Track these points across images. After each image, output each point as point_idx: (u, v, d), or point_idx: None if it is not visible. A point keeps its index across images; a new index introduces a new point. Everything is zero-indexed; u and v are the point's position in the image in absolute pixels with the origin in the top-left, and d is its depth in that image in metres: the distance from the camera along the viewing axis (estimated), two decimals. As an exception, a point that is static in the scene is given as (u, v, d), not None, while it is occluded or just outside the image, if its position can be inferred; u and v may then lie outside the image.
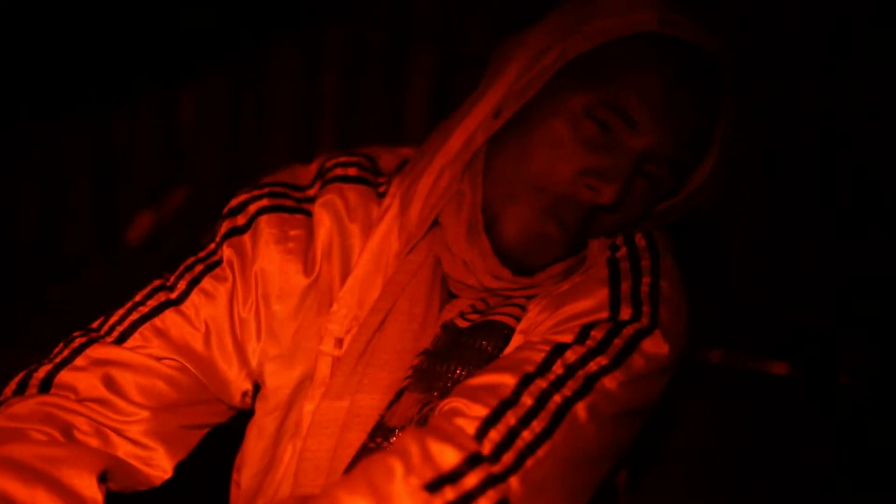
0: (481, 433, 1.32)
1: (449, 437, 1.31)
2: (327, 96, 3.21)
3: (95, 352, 1.56)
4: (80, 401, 1.51)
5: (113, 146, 3.15)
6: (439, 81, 3.15)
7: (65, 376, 1.53)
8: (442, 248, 1.62)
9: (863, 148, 2.96)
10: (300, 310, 1.65)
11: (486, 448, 1.31)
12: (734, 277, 3.07)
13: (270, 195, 1.69)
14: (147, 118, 3.15)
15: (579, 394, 1.39)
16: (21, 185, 3.16)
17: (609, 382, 1.41)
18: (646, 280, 1.52)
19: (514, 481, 1.31)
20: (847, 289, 2.96)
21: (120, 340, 1.58)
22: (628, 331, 1.46)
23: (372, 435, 1.55)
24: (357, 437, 1.56)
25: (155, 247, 3.00)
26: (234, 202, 1.70)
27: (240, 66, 3.18)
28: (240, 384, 1.65)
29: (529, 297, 1.60)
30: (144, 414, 1.54)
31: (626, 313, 1.48)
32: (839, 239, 2.99)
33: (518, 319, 1.57)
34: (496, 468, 1.30)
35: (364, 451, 1.54)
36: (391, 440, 1.54)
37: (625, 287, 1.51)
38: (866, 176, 2.97)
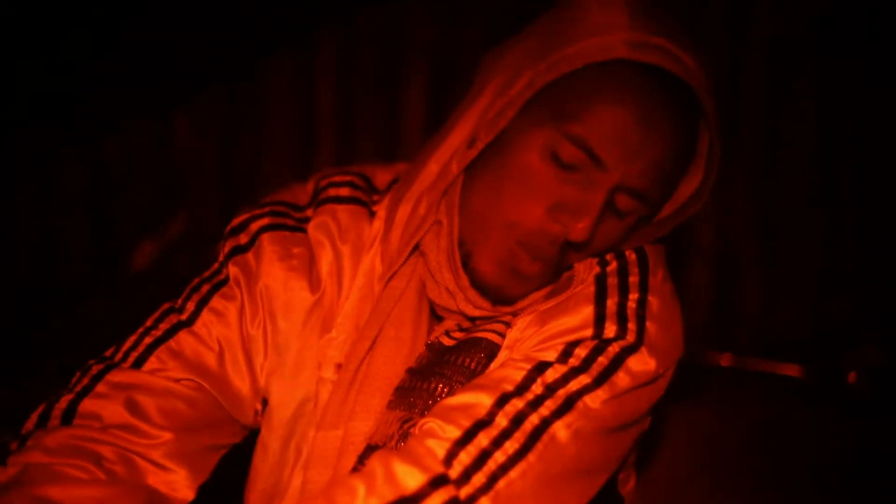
0: (451, 455, 1.33)
1: (416, 460, 1.31)
2: (322, 112, 3.20)
3: (115, 377, 1.57)
4: (105, 428, 1.51)
5: (108, 172, 3.14)
6: (434, 93, 3.14)
7: (88, 405, 1.53)
8: (426, 274, 1.62)
9: (867, 146, 2.96)
10: (304, 328, 1.65)
11: (455, 471, 1.31)
12: (742, 279, 3.06)
13: (272, 214, 1.70)
14: (142, 143, 3.14)
15: (558, 413, 1.38)
16: (16, 214, 3.15)
17: (591, 401, 1.40)
18: (633, 296, 1.51)
19: (484, 502, 1.30)
20: (858, 289, 2.95)
21: (137, 365, 1.58)
22: (613, 349, 1.46)
23: (361, 458, 1.56)
24: (349, 463, 1.56)
25: (157, 274, 3.00)
26: (235, 222, 1.71)
27: (233, 85, 3.17)
28: (252, 402, 1.66)
29: (516, 314, 1.59)
30: (168, 436, 1.55)
31: (610, 331, 1.47)
32: (848, 238, 2.98)
33: (503, 336, 1.57)
34: (464, 491, 1.30)
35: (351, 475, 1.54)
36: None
37: (610, 304, 1.50)
38: (873, 174, 2.97)
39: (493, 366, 1.53)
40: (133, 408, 1.54)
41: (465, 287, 1.57)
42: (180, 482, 1.56)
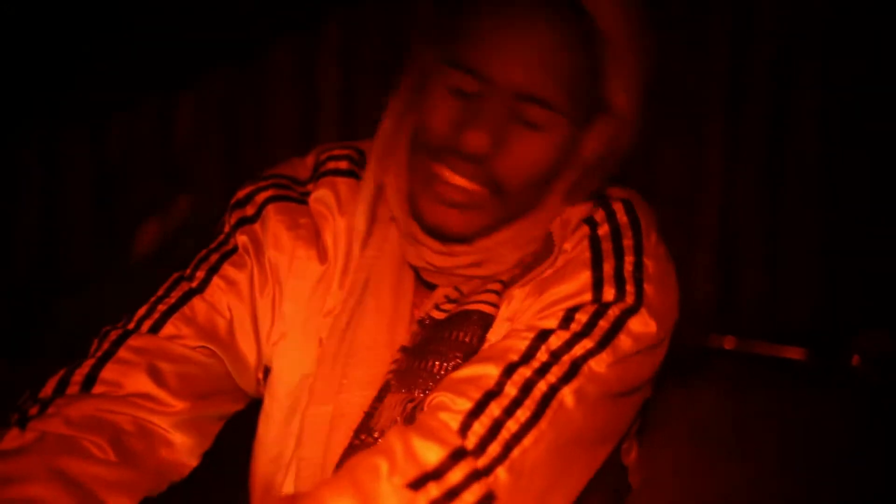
0: (465, 427, 1.33)
1: (433, 434, 1.32)
2: (327, 97, 3.20)
3: (136, 342, 1.57)
4: (126, 397, 1.52)
5: (111, 156, 3.13)
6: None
7: (110, 371, 1.53)
8: (401, 240, 1.63)
9: (872, 133, 2.96)
10: (311, 299, 1.66)
11: (471, 442, 1.32)
12: (745, 262, 3.06)
13: (276, 186, 1.72)
14: (145, 126, 3.14)
15: (565, 379, 1.39)
16: (20, 199, 3.15)
17: (596, 365, 1.42)
18: (629, 259, 1.52)
19: (500, 472, 1.31)
20: (862, 273, 2.95)
21: (154, 331, 1.59)
22: (613, 311, 1.46)
23: (357, 432, 1.56)
24: (344, 437, 1.57)
25: (162, 257, 2.99)
26: (240, 194, 1.73)
27: (237, 70, 3.17)
28: (255, 370, 1.67)
29: (505, 283, 1.59)
30: (183, 405, 1.56)
31: (609, 294, 1.48)
32: (852, 222, 2.98)
33: (495, 306, 1.57)
34: (481, 462, 1.31)
35: (349, 450, 1.55)
36: (375, 437, 1.54)
37: (607, 268, 1.51)
38: (877, 159, 2.97)
39: (492, 337, 1.54)
40: (155, 375, 1.54)
41: (417, 234, 1.58)
42: (188, 450, 1.57)
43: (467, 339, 1.54)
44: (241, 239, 1.67)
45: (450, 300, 1.61)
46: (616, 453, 1.62)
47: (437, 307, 1.61)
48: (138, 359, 1.55)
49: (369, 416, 1.56)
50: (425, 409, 1.41)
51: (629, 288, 1.49)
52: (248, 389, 1.68)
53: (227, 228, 1.70)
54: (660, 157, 3.08)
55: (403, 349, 1.60)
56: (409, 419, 1.51)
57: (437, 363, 1.55)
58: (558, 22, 1.51)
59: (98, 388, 1.52)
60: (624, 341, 1.46)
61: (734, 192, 3.07)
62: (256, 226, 1.68)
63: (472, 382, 1.38)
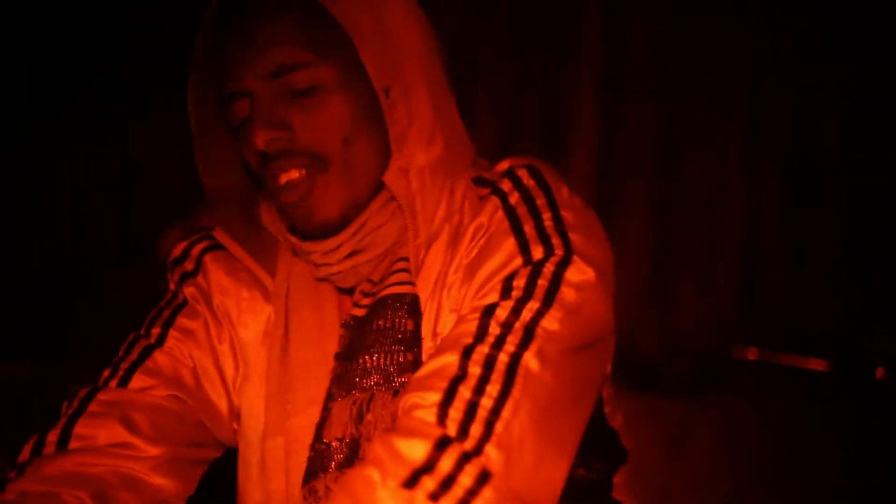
0: (442, 416, 1.32)
1: (413, 432, 1.31)
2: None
3: (106, 396, 1.58)
4: (101, 449, 1.52)
5: (135, 158, 3.14)
6: (458, 88, 3.14)
7: (82, 426, 1.54)
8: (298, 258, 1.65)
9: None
10: (266, 338, 1.66)
11: (452, 429, 1.31)
12: (769, 273, 3.05)
13: (208, 237, 1.72)
14: (170, 129, 3.14)
15: (523, 345, 1.38)
16: (44, 202, 3.16)
17: (548, 324, 1.40)
18: (547, 216, 1.50)
19: (489, 449, 1.30)
20: (886, 284, 2.94)
21: (122, 385, 1.59)
22: (548, 268, 1.45)
23: (311, 447, 1.56)
24: (301, 459, 1.57)
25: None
26: (176, 251, 1.75)
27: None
28: (230, 420, 1.67)
29: (408, 257, 1.58)
30: (159, 450, 1.56)
31: (538, 252, 1.47)
32: (877, 234, 2.97)
33: (409, 283, 1.56)
34: (468, 444, 1.29)
35: (308, 465, 1.55)
36: (325, 444, 1.54)
37: (528, 229, 1.49)
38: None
39: (441, 329, 1.53)
40: (128, 424, 1.55)
41: (301, 246, 1.59)
42: (172, 494, 1.57)
43: (388, 325, 1.54)
44: (189, 291, 1.69)
45: (365, 294, 1.61)
46: (603, 419, 1.62)
47: (355, 305, 1.62)
48: (110, 410, 1.56)
49: (320, 427, 1.57)
50: (399, 413, 1.40)
51: (555, 241, 1.48)
52: (225, 439, 1.69)
53: (172, 286, 1.72)
54: (682, 169, 3.07)
55: (336, 356, 1.60)
56: (360, 419, 1.52)
57: (366, 358, 1.55)
58: (280, 14, 1.53)
59: (74, 444, 1.53)
60: (567, 293, 1.44)
61: (757, 203, 3.06)
62: (199, 278, 1.70)
63: (436, 375, 1.38)
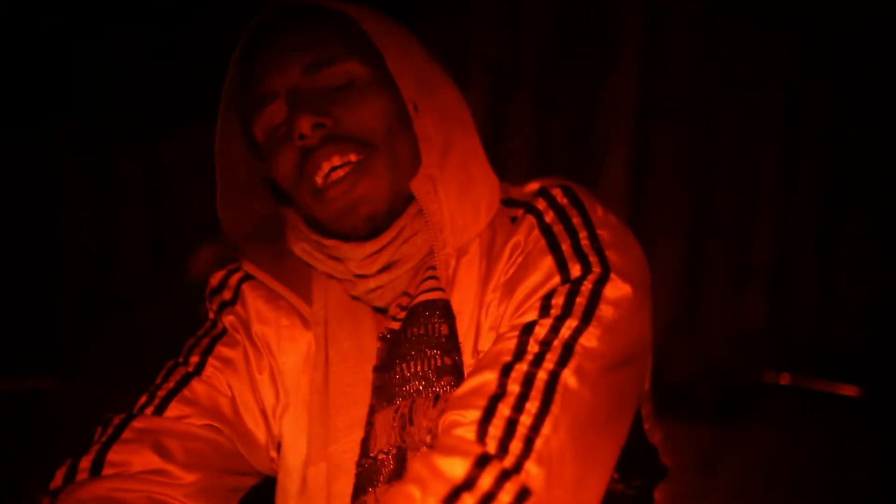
0: (482, 434, 1.32)
1: (453, 450, 1.31)
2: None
3: (139, 424, 1.57)
4: (135, 475, 1.51)
5: (166, 177, 3.16)
6: (495, 101, 3.14)
7: (116, 453, 1.53)
8: (337, 279, 1.64)
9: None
10: (307, 365, 1.65)
11: (491, 446, 1.30)
12: (799, 298, 3.04)
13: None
14: (200, 148, 3.15)
15: (562, 362, 1.37)
16: (76, 220, 3.17)
17: (587, 341, 1.40)
18: (583, 234, 1.50)
19: (529, 466, 1.29)
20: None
21: (158, 412, 1.58)
22: (586, 286, 1.45)
23: (358, 464, 1.56)
24: (345, 485, 1.56)
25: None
26: (213, 281, 1.74)
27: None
28: (267, 449, 1.66)
29: (436, 266, 1.58)
30: (194, 477, 1.55)
31: (576, 270, 1.47)
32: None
33: (439, 290, 1.56)
34: (507, 461, 1.29)
35: (358, 480, 1.55)
36: (372, 458, 1.54)
37: (566, 248, 1.50)
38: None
39: (482, 346, 1.53)
40: (161, 451, 1.54)
41: (338, 248, 1.59)
42: None
43: (423, 331, 1.54)
44: (228, 320, 1.69)
45: (402, 308, 1.61)
46: (642, 436, 1.61)
47: (392, 319, 1.61)
48: (143, 438, 1.55)
49: (365, 443, 1.56)
50: (439, 431, 1.40)
51: (592, 259, 1.48)
52: (262, 468, 1.68)
53: (211, 315, 1.71)
54: (713, 192, 3.07)
55: (375, 368, 1.60)
56: (402, 428, 1.52)
57: (403, 366, 1.55)
58: (312, 22, 1.57)
59: (107, 471, 1.52)
60: (605, 310, 1.44)
61: (788, 227, 3.06)
62: (238, 307, 1.70)
63: (475, 393, 1.38)
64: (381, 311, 1.64)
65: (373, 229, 1.55)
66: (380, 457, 1.54)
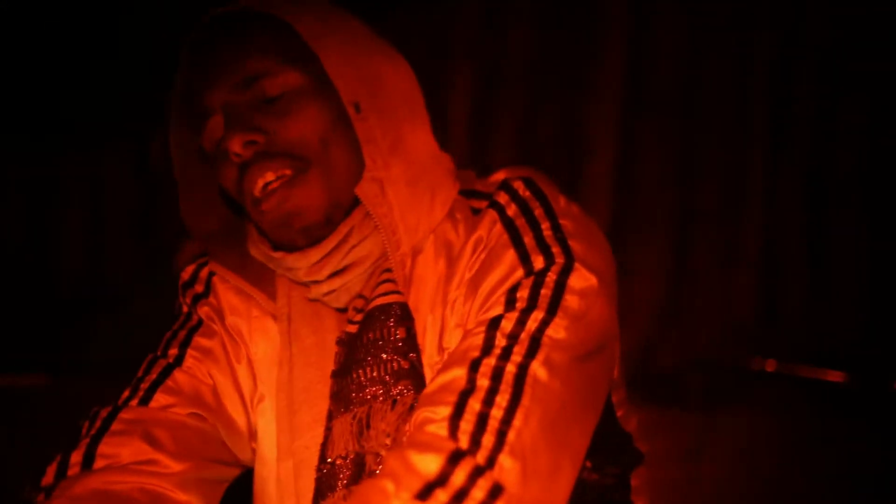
0: (453, 430, 1.31)
1: (426, 446, 1.31)
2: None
3: (128, 415, 1.56)
4: (126, 466, 1.52)
5: (152, 174, 3.16)
6: (479, 95, 3.14)
7: (106, 445, 1.53)
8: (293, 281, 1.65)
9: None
10: (280, 354, 1.66)
11: (464, 442, 1.30)
12: (787, 286, 3.05)
13: None
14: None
15: (530, 355, 1.37)
16: (63, 219, 3.17)
17: (554, 332, 1.39)
18: (545, 225, 1.49)
19: (503, 459, 1.29)
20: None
21: (143, 404, 1.59)
22: (550, 277, 1.44)
23: (317, 469, 1.56)
24: (309, 480, 1.57)
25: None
26: (184, 275, 1.72)
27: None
28: (249, 439, 1.66)
29: (395, 271, 1.59)
30: (183, 466, 1.55)
31: (539, 262, 1.45)
32: (893, 250, 2.97)
33: (396, 293, 1.57)
34: (480, 456, 1.29)
35: (318, 484, 1.56)
36: (329, 463, 1.56)
37: (528, 240, 1.48)
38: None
39: (447, 344, 1.54)
40: (151, 440, 1.54)
41: (285, 259, 1.59)
42: None
43: (377, 336, 1.54)
44: (203, 311, 1.67)
45: (358, 310, 1.61)
46: (615, 423, 1.62)
47: (349, 322, 1.61)
48: (132, 428, 1.54)
49: (323, 448, 1.57)
50: (411, 428, 1.40)
51: (555, 250, 1.46)
52: (244, 457, 1.68)
53: (185, 309, 1.71)
54: (700, 182, 3.08)
55: (332, 374, 1.60)
56: (360, 433, 1.52)
57: (360, 372, 1.54)
58: (245, 32, 1.55)
59: (99, 463, 1.51)
60: (571, 301, 1.43)
61: (775, 217, 3.07)
62: (211, 298, 1.69)
63: (445, 389, 1.37)
64: (342, 310, 1.65)
65: (312, 240, 1.55)
66: (338, 461, 1.54)
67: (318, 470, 1.56)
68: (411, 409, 1.46)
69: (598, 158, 3.08)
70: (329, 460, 1.56)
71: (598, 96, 3.09)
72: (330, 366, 1.58)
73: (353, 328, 1.57)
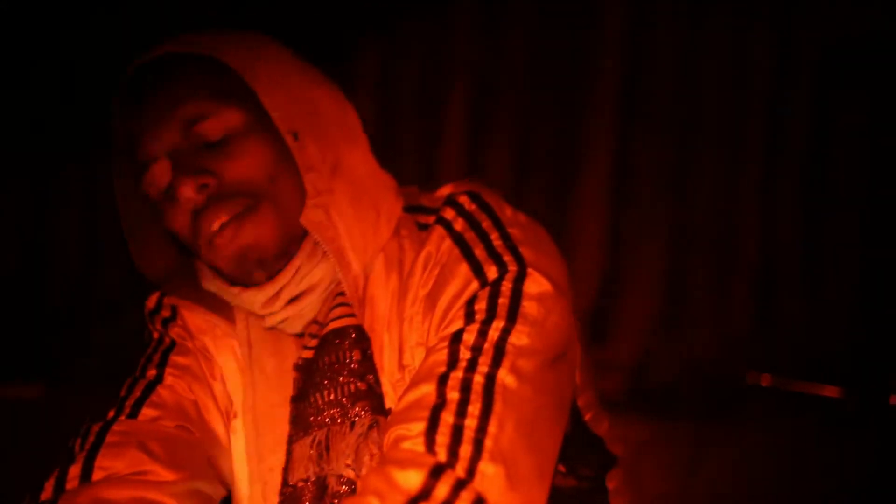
0: (430, 444, 1.33)
1: (406, 462, 1.32)
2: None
3: (121, 427, 1.57)
4: (125, 477, 1.52)
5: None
6: (475, 107, 3.15)
7: (104, 458, 1.54)
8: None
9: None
10: (243, 378, 1.66)
11: (442, 455, 1.31)
12: (783, 299, 3.05)
13: None
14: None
15: (495, 364, 1.38)
16: (57, 229, 3.18)
17: (517, 339, 1.41)
18: (494, 236, 1.52)
19: (483, 467, 1.31)
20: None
21: (133, 418, 1.59)
22: (506, 286, 1.46)
23: (280, 492, 1.57)
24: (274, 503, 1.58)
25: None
26: (149, 304, 1.75)
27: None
28: (231, 453, 1.67)
29: (346, 294, 1.59)
30: (176, 476, 1.56)
31: (492, 272, 1.48)
32: (892, 262, 2.97)
33: (350, 316, 1.57)
34: (460, 468, 1.30)
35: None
36: (292, 486, 1.57)
37: (479, 252, 1.51)
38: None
39: (408, 362, 1.54)
40: (146, 451, 1.55)
41: (240, 295, 1.60)
42: None
43: (333, 359, 1.56)
44: (175, 332, 1.70)
45: (313, 336, 1.62)
46: (584, 427, 1.62)
47: (304, 348, 1.62)
48: (127, 440, 1.56)
49: (285, 472, 1.58)
50: (386, 447, 1.41)
51: (507, 258, 1.49)
52: (227, 476, 1.69)
53: (155, 335, 1.72)
54: (696, 194, 3.08)
55: (291, 399, 1.61)
56: (320, 456, 1.54)
57: (317, 395, 1.57)
58: (179, 76, 1.56)
59: (97, 475, 1.53)
60: (529, 307, 1.45)
61: (771, 229, 3.06)
62: (178, 321, 1.71)
63: (416, 406, 1.38)
64: (301, 335, 1.65)
65: (269, 274, 1.56)
66: (299, 484, 1.56)
67: (281, 493, 1.58)
68: (370, 429, 1.49)
69: (594, 172, 3.08)
70: (291, 483, 1.58)
71: (594, 110, 3.09)
72: (289, 390, 1.60)
73: (308, 354, 1.60)
